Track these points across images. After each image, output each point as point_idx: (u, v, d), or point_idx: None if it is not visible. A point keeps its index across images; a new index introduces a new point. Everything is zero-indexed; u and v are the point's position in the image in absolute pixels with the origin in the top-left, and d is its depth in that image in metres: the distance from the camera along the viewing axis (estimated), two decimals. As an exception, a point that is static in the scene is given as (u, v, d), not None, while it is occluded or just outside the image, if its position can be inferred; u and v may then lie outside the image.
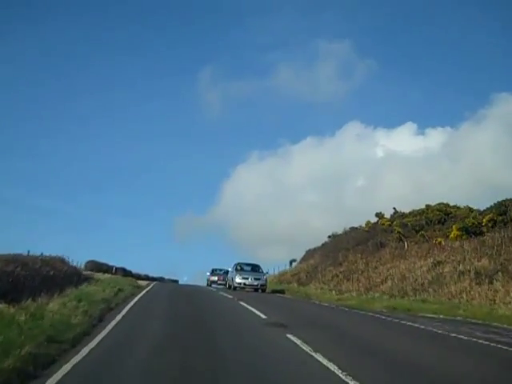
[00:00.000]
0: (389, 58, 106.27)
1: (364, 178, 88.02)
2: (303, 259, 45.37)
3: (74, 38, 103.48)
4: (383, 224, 36.72)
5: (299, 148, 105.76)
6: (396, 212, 40.40)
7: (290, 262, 50.49)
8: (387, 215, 40.95)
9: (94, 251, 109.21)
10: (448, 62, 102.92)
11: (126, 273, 65.96)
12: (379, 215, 40.92)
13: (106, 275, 38.45)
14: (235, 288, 32.57)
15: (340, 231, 44.79)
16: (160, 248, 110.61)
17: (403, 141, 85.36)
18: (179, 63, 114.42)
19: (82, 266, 51.97)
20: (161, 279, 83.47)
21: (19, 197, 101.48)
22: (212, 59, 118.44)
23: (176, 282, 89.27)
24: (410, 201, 70.44)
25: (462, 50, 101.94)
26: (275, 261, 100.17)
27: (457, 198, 73.63)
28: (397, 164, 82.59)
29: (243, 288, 32.26)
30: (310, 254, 45.34)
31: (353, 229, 42.37)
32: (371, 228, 37.55)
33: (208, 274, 47.09)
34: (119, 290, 21.53)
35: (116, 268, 58.15)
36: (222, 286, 40.01)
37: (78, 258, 51.54)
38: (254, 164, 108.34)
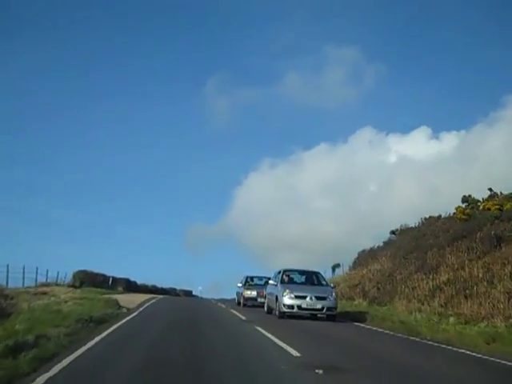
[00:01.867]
0: (398, 62, 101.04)
1: (377, 184, 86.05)
2: (358, 264, 33.53)
3: (84, 43, 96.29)
4: (488, 209, 24.89)
5: (311, 154, 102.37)
6: (494, 194, 28.49)
7: (333, 269, 38.91)
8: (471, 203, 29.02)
9: (102, 261, 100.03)
10: (459, 64, 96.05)
11: (129, 284, 54.78)
12: (468, 199, 29.05)
13: (70, 294, 26.76)
14: (282, 314, 18.85)
15: (411, 223, 33.01)
16: (172, 257, 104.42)
17: (417, 145, 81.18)
18: (187, 70, 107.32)
19: (69, 278, 41.02)
20: (171, 291, 72.13)
21: (34, 207, 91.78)
22: (220, 66, 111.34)
23: (190, 293, 78.51)
24: (423, 206, 65.63)
25: (474, 52, 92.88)
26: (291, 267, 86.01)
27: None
28: (410, 169, 79.45)
29: (296, 313, 18.75)
30: (366, 256, 33.51)
31: (433, 219, 30.54)
32: (469, 216, 25.64)
33: (239, 285, 29.05)
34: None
35: (113, 279, 46.75)
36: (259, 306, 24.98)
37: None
38: (265, 171, 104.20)
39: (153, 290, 64.01)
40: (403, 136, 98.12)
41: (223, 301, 36.19)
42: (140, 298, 30.01)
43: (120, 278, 52.68)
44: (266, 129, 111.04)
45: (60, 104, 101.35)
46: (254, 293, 26.85)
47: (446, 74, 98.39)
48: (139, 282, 60.21)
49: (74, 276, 41.51)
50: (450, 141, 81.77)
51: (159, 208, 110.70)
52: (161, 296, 39.52)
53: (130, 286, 54.93)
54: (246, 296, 27.26)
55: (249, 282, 28.89)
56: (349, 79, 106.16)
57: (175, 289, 74.89)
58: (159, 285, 68.22)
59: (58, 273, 37.94)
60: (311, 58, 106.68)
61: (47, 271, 36.82)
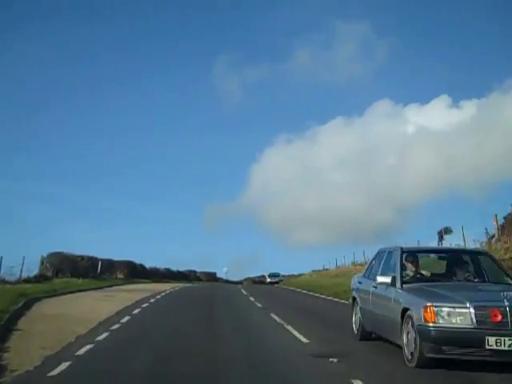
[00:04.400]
0: (411, 35, 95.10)
1: (395, 156, 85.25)
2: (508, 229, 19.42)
3: (97, 25, 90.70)
4: None
5: (327, 129, 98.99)
6: None
7: (440, 236, 25.07)
8: None
9: (120, 245, 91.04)
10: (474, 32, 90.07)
11: (133, 269, 41.80)
12: None
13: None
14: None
15: None
16: (189, 238, 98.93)
17: (436, 115, 78.07)
18: (196, 50, 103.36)
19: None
20: (190, 274, 59.19)
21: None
22: (229, 45, 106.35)
23: (213, 275, 65.69)
24: (440, 176, 70.57)
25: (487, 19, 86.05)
26: (309, 244, 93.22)
27: (492, 170, 68.45)
28: (428, 140, 77.21)
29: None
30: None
31: None
32: None
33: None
34: None
35: (108, 263, 33.49)
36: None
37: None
38: (281, 147, 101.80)
39: (166, 274, 51.14)
40: (421, 106, 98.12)
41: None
42: (136, 296, 16.64)
43: (119, 262, 39.66)
44: (279, 105, 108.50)
45: (71, 90, 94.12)
46: None
47: (463, 43, 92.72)
48: (149, 265, 47.51)
49: (43, 262, 28.31)
50: (470, 109, 78.03)
51: (175, 188, 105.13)
52: (169, 288, 26.06)
53: (135, 272, 41.97)
54: None
55: None
56: (360, 54, 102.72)
57: (195, 271, 62.02)
58: (175, 268, 55.41)
59: (24, 258, 24.73)
60: (321, 34, 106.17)
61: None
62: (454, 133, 78.02)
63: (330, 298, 20.90)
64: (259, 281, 65.22)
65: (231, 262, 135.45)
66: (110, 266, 37.27)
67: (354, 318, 9.40)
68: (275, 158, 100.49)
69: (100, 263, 32.52)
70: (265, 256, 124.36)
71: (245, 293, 24.49)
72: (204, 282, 57.53)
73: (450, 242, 23.88)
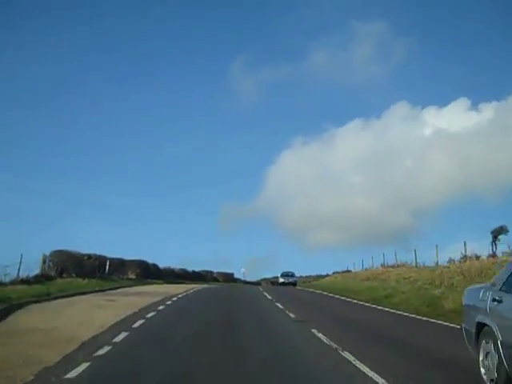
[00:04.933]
0: (428, 35, 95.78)
1: (412, 159, 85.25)
2: None
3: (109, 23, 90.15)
4: None
5: (345, 131, 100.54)
6: None
7: (494, 236, 21.78)
8: None
9: (132, 244, 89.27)
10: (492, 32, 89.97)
11: (146, 269, 39.03)
12: None
13: None
14: None
15: None
16: (205, 238, 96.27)
17: (454, 118, 79.08)
18: (213, 51, 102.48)
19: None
20: (207, 275, 56.32)
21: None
22: (245, 46, 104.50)
23: (231, 276, 62.76)
24: (457, 178, 67.79)
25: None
26: (325, 245, 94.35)
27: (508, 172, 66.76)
28: (446, 142, 77.94)
29: None
30: None
31: None
32: None
33: None
34: None
35: (111, 262, 30.67)
36: None
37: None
38: (298, 149, 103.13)
39: (181, 274, 48.30)
40: (440, 109, 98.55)
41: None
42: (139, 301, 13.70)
43: (131, 261, 36.92)
44: (296, 107, 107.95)
45: (104, 92, 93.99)
46: None
47: (482, 43, 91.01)
48: (163, 265, 44.69)
49: (45, 261, 25.57)
50: (489, 112, 78.10)
51: (190, 188, 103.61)
52: (183, 291, 23.11)
53: (148, 272, 39.17)
54: None
55: None
56: (377, 55, 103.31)
57: (212, 272, 59.07)
58: (190, 268, 52.56)
59: (22, 256, 22.01)
60: (337, 35, 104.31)
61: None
62: (472, 135, 77.01)
63: (373, 305, 17.80)
64: (275, 281, 62.18)
65: (247, 263, 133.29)
66: (120, 265, 34.54)
67: (484, 361, 5.72)
68: (292, 160, 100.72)
69: (108, 262, 29.71)
70: (281, 257, 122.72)
71: (269, 297, 21.48)
72: (221, 282, 54.78)
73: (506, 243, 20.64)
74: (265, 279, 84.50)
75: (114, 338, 8.52)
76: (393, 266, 36.90)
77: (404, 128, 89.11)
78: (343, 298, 23.11)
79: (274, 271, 79.96)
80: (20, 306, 12.36)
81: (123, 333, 9.06)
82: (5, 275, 20.36)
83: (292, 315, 13.19)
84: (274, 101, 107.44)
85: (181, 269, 49.07)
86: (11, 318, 10.58)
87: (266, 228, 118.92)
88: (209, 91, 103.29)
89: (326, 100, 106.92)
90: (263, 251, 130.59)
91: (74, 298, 16.26)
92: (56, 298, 15.43)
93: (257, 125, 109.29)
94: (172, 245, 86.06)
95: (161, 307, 14.13)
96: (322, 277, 73.38)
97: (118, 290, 22.03)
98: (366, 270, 43.14)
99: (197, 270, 54.29)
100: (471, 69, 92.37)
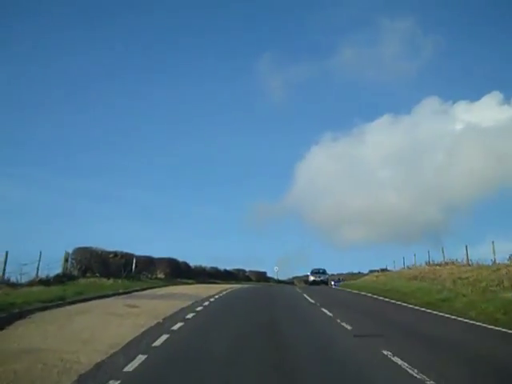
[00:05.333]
0: (458, 31, 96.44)
1: (442, 154, 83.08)
2: None
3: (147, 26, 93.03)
4: None
5: (374, 126, 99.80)
6: None
7: None
8: None
9: (160, 242, 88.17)
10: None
11: (176, 268, 37.22)
12: None
13: None
14: None
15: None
16: (237, 236, 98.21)
17: (486, 112, 76.07)
18: (239, 49, 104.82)
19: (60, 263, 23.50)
20: (239, 274, 54.27)
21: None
22: (272, 43, 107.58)
23: (263, 275, 60.60)
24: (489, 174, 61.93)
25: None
26: (355, 242, 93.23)
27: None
28: (478, 137, 75.53)
29: None
30: None
31: None
32: None
33: None
34: None
35: (139, 260, 28.79)
36: None
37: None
38: (327, 145, 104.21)
39: (212, 273, 46.32)
40: (471, 103, 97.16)
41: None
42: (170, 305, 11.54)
43: (160, 260, 35.06)
44: (324, 103, 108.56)
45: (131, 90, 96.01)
46: None
47: None
48: (193, 263, 42.74)
49: (67, 259, 23.80)
50: None
51: (219, 185, 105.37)
52: (216, 292, 20.91)
53: (178, 271, 37.30)
54: None
55: None
56: (406, 51, 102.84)
57: (244, 270, 56.98)
58: (222, 267, 50.54)
59: (41, 254, 20.13)
60: (366, 32, 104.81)
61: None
62: (505, 130, 75.73)
63: (434, 312, 15.18)
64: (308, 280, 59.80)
65: (278, 261, 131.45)
66: (149, 264, 32.70)
67: None
68: (321, 156, 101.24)
69: (135, 260, 27.80)
70: (311, 255, 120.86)
71: (311, 300, 19.08)
72: (254, 281, 52.69)
73: None
74: (296, 278, 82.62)
75: (126, 365, 6.36)
76: (439, 264, 34.02)
77: (434, 123, 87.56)
78: (393, 301, 20.53)
79: (304, 269, 77.38)
80: (22, 314, 10.37)
81: (140, 356, 6.87)
82: (21, 275, 18.60)
83: (347, 326, 10.78)
84: (303, 98, 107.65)
85: (212, 267, 47.09)
86: (2, 334, 8.52)
87: (295, 225, 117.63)
88: (238, 88, 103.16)
89: (355, 96, 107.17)
90: (293, 249, 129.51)
91: (91, 302, 14.23)
92: (71, 302, 13.43)
93: (285, 121, 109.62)
94: (201, 243, 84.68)
95: (189, 315, 11.93)
96: (354, 274, 71.47)
97: (145, 292, 20.00)
98: (408, 268, 40.27)
99: (228, 268, 52.27)
100: (503, 62, 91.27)
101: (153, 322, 10.29)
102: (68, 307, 12.53)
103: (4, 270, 17.41)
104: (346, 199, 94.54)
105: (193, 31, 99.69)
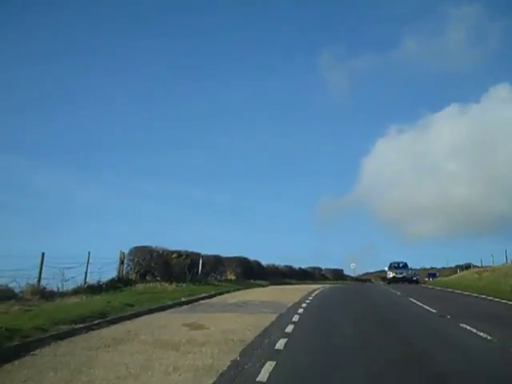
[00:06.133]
0: None
1: None
2: None
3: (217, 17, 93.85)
4: None
5: (441, 116, 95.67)
6: None
7: None
8: None
9: (231, 242, 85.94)
10: None
11: (247, 267, 33.48)
12: None
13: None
14: None
15: None
16: (305, 233, 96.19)
17: None
18: (302, 44, 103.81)
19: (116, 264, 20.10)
20: (314, 272, 49.76)
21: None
22: (334, 38, 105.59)
23: (340, 272, 55.84)
24: None
25: None
26: (423, 237, 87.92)
27: None
28: None
29: None
30: None
31: None
32: None
33: None
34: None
35: (206, 260, 25.03)
36: None
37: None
38: (393, 137, 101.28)
39: (287, 272, 42.08)
40: None
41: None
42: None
43: (229, 259, 31.26)
44: (388, 95, 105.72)
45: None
46: None
47: None
48: (265, 262, 38.66)
49: (122, 261, 20.31)
50: None
51: (284, 182, 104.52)
52: (300, 298, 16.59)
53: (250, 271, 33.40)
54: None
55: None
56: (472, 39, 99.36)
57: (320, 268, 52.31)
58: (294, 265, 46.14)
59: (89, 254, 16.60)
60: (430, 21, 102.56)
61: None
62: None
63: None
64: (383, 276, 54.38)
65: (349, 258, 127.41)
66: (217, 263, 29.02)
67: None
68: (387, 149, 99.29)
69: (201, 260, 23.99)
70: (380, 250, 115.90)
71: (432, 309, 14.29)
72: (331, 280, 48.20)
73: None
74: (367, 274, 78.25)
75: None
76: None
77: (505, 111, 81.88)
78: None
79: (376, 265, 72.51)
80: (23, 349, 6.54)
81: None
82: (62, 282, 15.03)
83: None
84: (366, 90, 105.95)
85: (286, 266, 42.88)
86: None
87: (362, 220, 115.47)
88: (301, 83, 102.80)
89: (421, 86, 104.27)
90: (361, 244, 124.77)
91: (141, 320, 10.32)
92: (111, 321, 9.57)
93: (349, 115, 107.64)
94: (269, 241, 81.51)
95: (280, 342, 7.71)
96: (426, 270, 66.34)
97: (213, 300, 16.02)
98: (503, 264, 34.30)
99: (303, 266, 47.89)
100: None
101: (225, 361, 6.16)
102: (104, 330, 8.65)
103: (40, 275, 13.95)
104: (413, 192, 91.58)
105: (253, 28, 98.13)
